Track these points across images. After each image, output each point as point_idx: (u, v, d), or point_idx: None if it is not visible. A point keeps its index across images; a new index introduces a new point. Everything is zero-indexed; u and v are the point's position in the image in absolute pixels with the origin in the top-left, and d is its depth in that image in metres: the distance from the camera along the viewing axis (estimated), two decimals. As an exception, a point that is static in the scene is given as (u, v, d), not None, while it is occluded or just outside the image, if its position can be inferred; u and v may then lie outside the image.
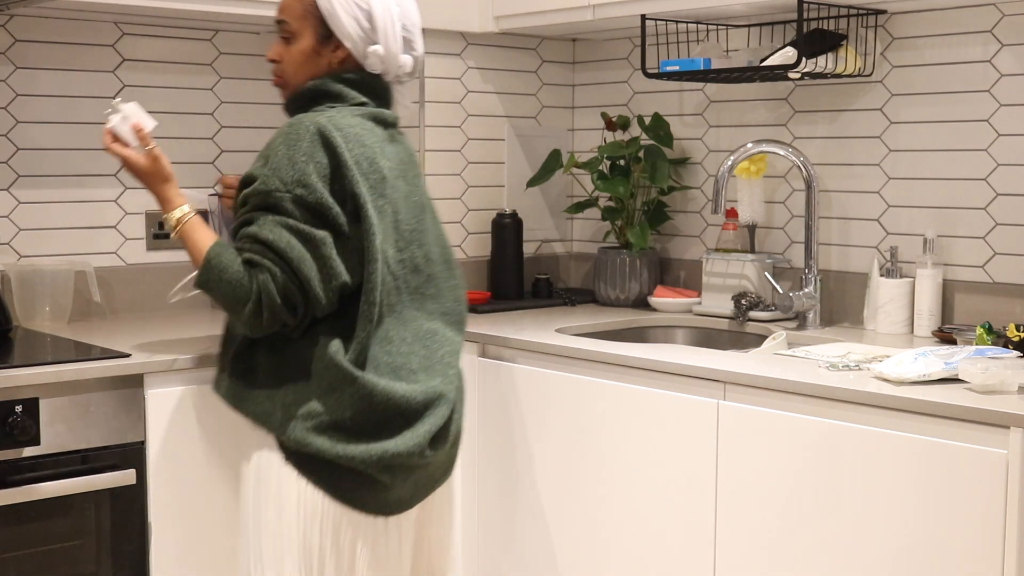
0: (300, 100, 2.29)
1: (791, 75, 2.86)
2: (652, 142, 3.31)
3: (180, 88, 3.20)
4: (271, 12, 2.36)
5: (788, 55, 2.81)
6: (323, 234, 2.11)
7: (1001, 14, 2.72)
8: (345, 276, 2.13)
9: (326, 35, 2.26)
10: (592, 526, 2.68)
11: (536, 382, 2.79)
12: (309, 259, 2.10)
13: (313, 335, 2.16)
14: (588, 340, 2.82)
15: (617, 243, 3.41)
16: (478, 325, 3.00)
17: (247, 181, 2.17)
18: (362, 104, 2.27)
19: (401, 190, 2.25)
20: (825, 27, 2.87)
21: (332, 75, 2.27)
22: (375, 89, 2.30)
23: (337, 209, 2.12)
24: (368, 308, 2.14)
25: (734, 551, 2.41)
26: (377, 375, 2.14)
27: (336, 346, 2.13)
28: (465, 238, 3.48)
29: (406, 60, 2.30)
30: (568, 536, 2.73)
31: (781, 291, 2.94)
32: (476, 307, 3.26)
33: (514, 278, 3.43)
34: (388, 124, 2.29)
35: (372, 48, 2.25)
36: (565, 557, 2.75)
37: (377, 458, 2.12)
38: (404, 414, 2.15)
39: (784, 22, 3.04)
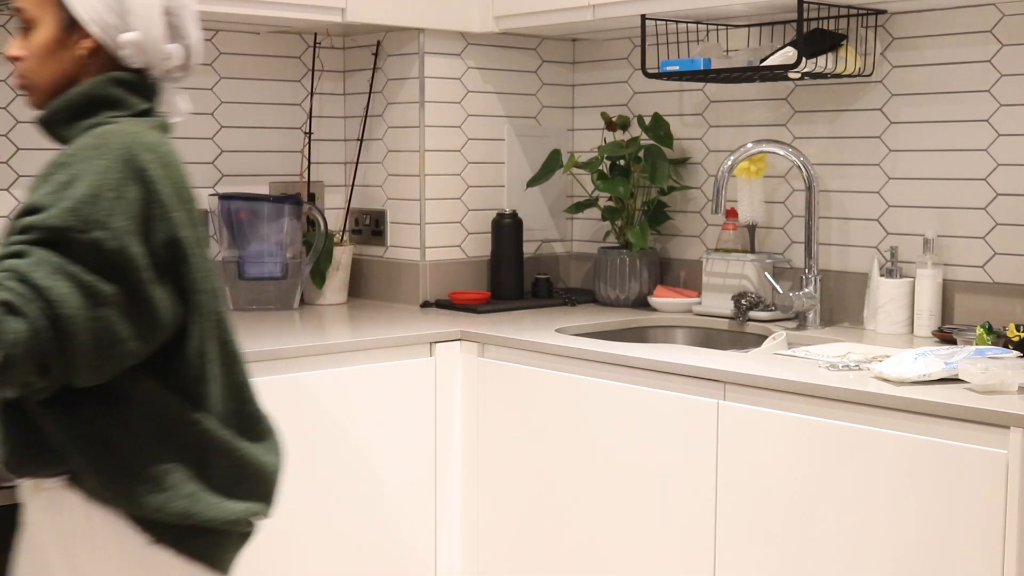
0: (69, 111, 1.84)
1: (791, 75, 2.86)
2: (652, 142, 3.31)
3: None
4: (272, 12, 2.23)
5: (788, 55, 2.81)
6: (112, 290, 1.68)
7: (1001, 14, 2.72)
8: (130, 344, 1.72)
9: (69, 22, 1.84)
10: (592, 526, 2.68)
11: (536, 382, 2.79)
12: (83, 320, 1.65)
13: (156, 391, 1.79)
14: (588, 340, 2.82)
15: (617, 243, 3.41)
16: (478, 325, 3.00)
17: (31, 211, 1.70)
18: (145, 112, 1.89)
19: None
20: (825, 27, 2.87)
21: (110, 78, 1.85)
22: (152, 92, 1.92)
23: (140, 261, 1.71)
24: (201, 364, 1.81)
25: (734, 551, 2.41)
26: (219, 426, 1.86)
27: (182, 403, 1.80)
28: (465, 238, 3.48)
29: (172, 50, 1.90)
30: (568, 536, 2.73)
31: (781, 291, 2.94)
32: (476, 307, 3.26)
33: (514, 278, 3.43)
34: (168, 133, 1.93)
35: (126, 36, 1.84)
36: (565, 557, 2.75)
37: (256, 512, 1.91)
38: (265, 481, 1.92)
39: (784, 22, 3.04)
